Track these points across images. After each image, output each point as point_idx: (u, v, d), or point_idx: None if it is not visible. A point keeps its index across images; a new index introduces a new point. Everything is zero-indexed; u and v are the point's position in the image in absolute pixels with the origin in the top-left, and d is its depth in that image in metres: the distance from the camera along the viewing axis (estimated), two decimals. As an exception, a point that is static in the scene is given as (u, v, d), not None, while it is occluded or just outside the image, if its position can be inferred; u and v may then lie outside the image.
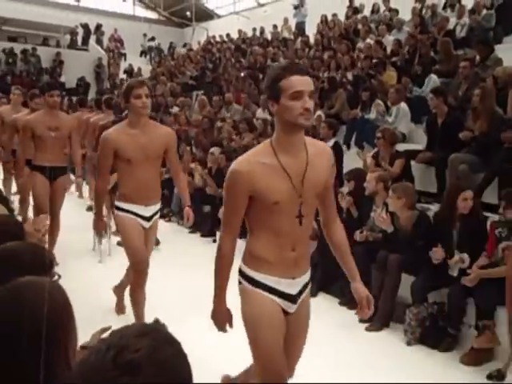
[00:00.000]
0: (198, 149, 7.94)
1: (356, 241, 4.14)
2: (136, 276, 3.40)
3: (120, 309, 3.95)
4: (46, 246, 3.71)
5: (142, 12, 23.29)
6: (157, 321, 0.92)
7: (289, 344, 2.00)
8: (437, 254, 3.61)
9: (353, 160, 6.01)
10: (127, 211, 3.29)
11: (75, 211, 7.02)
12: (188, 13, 22.19)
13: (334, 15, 12.32)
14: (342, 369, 3.18)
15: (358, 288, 2.07)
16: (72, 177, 5.63)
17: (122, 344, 0.79)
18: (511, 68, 5.71)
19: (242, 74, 11.04)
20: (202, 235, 6.53)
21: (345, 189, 4.79)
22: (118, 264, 4.07)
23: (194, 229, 6.55)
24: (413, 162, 5.28)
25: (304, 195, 1.89)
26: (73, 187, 7.86)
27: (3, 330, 1.07)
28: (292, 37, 13.12)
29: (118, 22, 20.86)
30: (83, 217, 6.59)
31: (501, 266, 3.36)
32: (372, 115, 6.67)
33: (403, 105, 6.33)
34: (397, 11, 10.57)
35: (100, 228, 3.50)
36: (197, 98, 11.44)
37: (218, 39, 16.56)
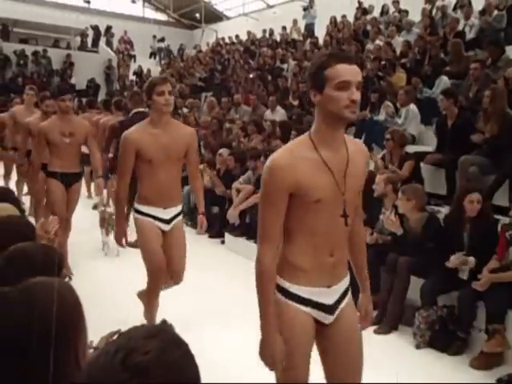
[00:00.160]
0: (206, 150, 7.95)
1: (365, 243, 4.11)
2: (152, 284, 3.23)
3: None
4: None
5: (151, 14, 23.46)
6: (164, 321, 0.92)
7: (337, 357, 1.82)
8: (454, 262, 3.58)
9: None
10: (146, 215, 3.17)
11: (84, 212, 7.06)
12: (197, 14, 22.32)
13: (344, 16, 12.28)
14: (351, 371, 3.16)
15: (363, 298, 2.03)
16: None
17: (131, 346, 0.80)
18: (522, 69, 5.68)
19: (251, 76, 11.05)
20: (210, 236, 6.51)
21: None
22: (129, 264, 4.08)
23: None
24: (422, 164, 5.24)
25: (347, 193, 1.74)
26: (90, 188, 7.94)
27: (15, 331, 1.07)
28: (301, 38, 13.11)
29: (128, 24, 21.02)
30: (92, 216, 6.62)
31: (512, 270, 3.34)
32: (381, 117, 6.65)
33: (412, 106, 6.30)
34: (406, 12, 10.55)
35: (120, 238, 3.22)
36: (206, 99, 11.48)
37: (227, 41, 16.61)
